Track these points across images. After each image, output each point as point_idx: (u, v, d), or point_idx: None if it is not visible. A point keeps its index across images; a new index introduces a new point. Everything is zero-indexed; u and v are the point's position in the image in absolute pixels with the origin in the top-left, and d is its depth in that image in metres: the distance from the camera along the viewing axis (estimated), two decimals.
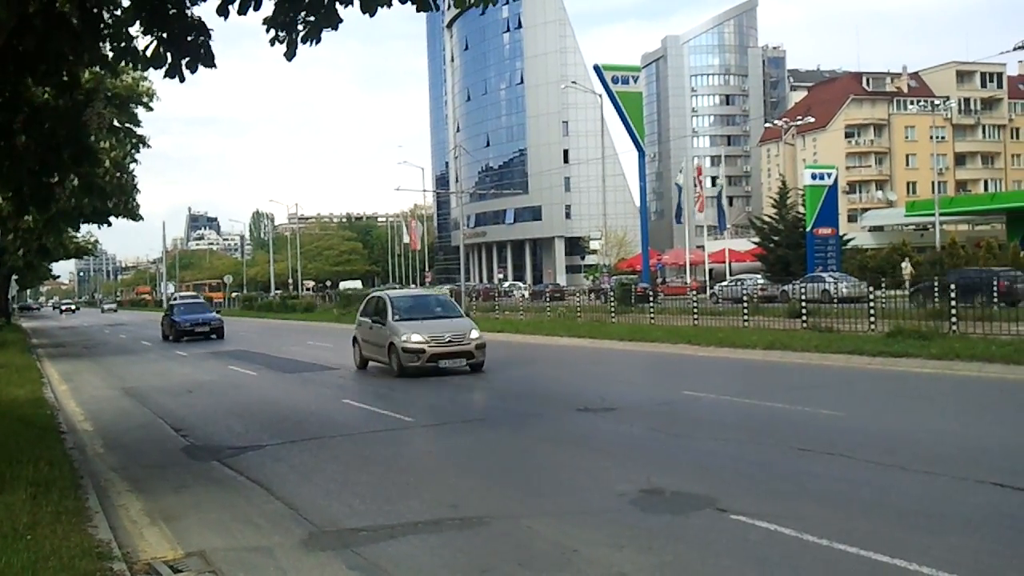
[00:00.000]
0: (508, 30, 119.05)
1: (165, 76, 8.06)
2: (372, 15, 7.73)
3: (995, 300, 23.27)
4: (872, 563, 6.09)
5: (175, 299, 48.96)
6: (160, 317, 45.16)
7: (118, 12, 8.09)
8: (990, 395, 14.22)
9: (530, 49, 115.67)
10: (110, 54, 8.64)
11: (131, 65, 8.74)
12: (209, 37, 7.96)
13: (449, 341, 18.89)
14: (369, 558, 6.81)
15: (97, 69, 10.65)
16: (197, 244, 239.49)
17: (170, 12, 7.77)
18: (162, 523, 8.16)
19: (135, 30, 8.06)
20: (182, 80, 8.08)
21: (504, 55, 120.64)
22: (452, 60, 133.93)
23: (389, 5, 7.77)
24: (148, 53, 8.03)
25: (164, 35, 7.79)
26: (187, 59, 7.91)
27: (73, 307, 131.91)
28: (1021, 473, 8.46)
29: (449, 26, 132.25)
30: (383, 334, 19.65)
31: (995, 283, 25.17)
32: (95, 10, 7.99)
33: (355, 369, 21.38)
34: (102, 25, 8.09)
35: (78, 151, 10.27)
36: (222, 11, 7.68)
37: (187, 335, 37.87)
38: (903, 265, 47.18)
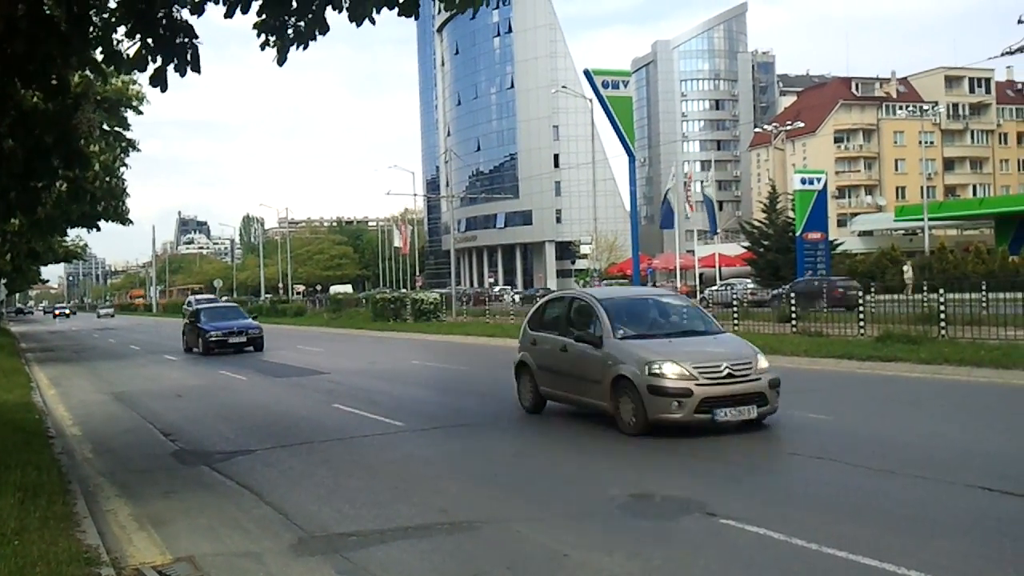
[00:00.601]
0: (499, 34, 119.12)
1: (150, 83, 8.04)
2: (359, 24, 7.73)
3: (827, 306, 26.73)
4: (861, 567, 6.11)
5: (191, 303, 43.33)
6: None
7: (106, 15, 8.05)
8: (979, 399, 14.26)
9: (520, 53, 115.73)
10: (100, 57, 8.61)
11: (115, 69, 8.69)
12: (196, 37, 7.93)
13: (729, 376, 11.35)
14: (358, 563, 6.80)
15: (86, 73, 10.58)
16: (187, 248, 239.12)
17: (159, 15, 7.74)
18: (151, 528, 8.14)
19: (120, 34, 8.03)
20: (163, 89, 8.04)
21: (495, 59, 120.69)
22: (443, 64, 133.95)
23: (373, 21, 7.75)
24: (131, 54, 7.99)
25: (151, 39, 7.75)
26: (175, 63, 7.88)
27: (68, 311, 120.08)
28: (1010, 477, 8.49)
29: (439, 30, 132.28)
30: (596, 361, 12.17)
31: (826, 290, 29.00)
32: (83, 13, 7.95)
33: (524, 412, 13.97)
34: (90, 28, 8.05)
35: (67, 155, 10.23)
36: (196, 10, 7.65)
37: (219, 347, 30.57)
38: (904, 268, 46.63)
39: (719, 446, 10.83)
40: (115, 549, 7.41)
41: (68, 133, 10.02)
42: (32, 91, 9.91)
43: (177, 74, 7.96)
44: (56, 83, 9.19)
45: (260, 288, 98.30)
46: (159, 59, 7.85)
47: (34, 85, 9.29)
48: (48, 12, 8.18)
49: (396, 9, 7.64)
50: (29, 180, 10.42)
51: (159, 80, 7.99)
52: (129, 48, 8.03)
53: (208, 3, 7.70)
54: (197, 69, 7.98)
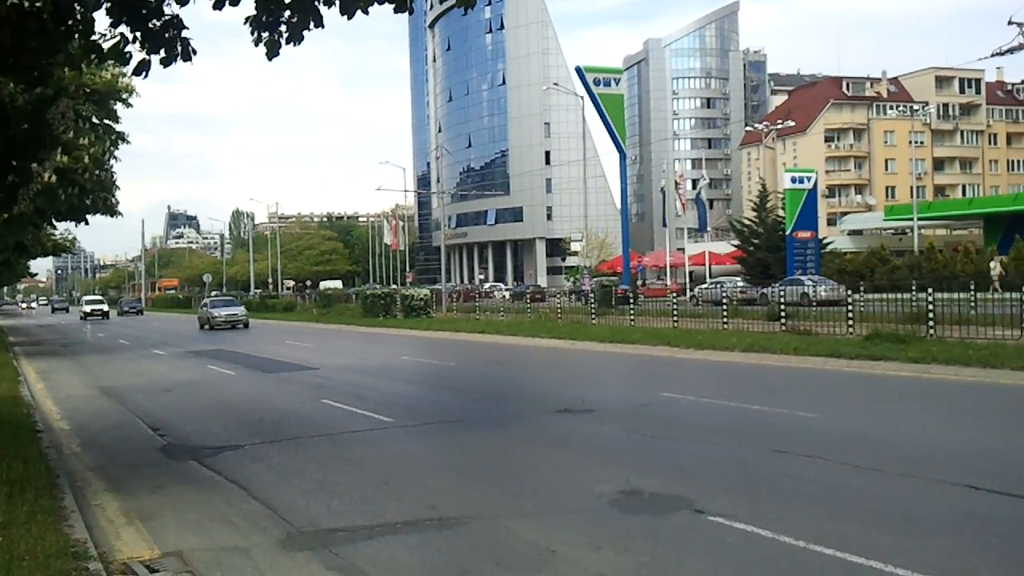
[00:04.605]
0: (490, 31, 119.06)
1: (133, 72, 8.01)
2: (350, 17, 7.69)
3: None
4: (848, 565, 6.13)
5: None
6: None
7: (86, 8, 7.97)
8: (966, 398, 14.33)
9: (512, 50, 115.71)
10: (79, 48, 8.53)
11: (96, 62, 8.59)
12: (184, 27, 7.86)
13: None
14: (347, 558, 6.80)
15: (69, 66, 10.47)
16: (176, 243, 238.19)
17: (148, 6, 7.68)
18: (139, 523, 8.12)
19: (105, 27, 7.97)
20: (145, 76, 8.00)
21: (486, 56, 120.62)
22: (434, 60, 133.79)
23: (366, 11, 7.72)
24: (112, 47, 7.94)
25: (138, 31, 7.70)
26: (162, 54, 7.83)
27: (104, 308, 76.28)
28: (996, 475, 8.53)
29: (431, 26, 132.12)
30: None
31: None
32: (66, 6, 7.89)
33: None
34: (72, 21, 7.99)
35: (43, 147, 10.13)
36: (182, 1, 7.61)
37: None
38: (992, 264, 44.70)
39: (707, 444, 10.88)
40: (103, 544, 7.40)
41: (42, 125, 9.93)
42: (11, 82, 9.83)
43: (161, 65, 7.91)
44: (37, 75, 9.12)
45: (250, 283, 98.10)
46: (144, 51, 7.80)
47: (17, 77, 9.22)
48: (35, 4, 8.12)
49: (392, 5, 7.62)
50: (6, 174, 10.33)
51: (141, 69, 7.94)
52: (108, 41, 7.96)
53: None
54: (188, 59, 7.93)
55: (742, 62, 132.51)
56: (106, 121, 24.57)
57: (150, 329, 50.92)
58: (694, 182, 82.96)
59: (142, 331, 48.32)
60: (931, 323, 20.77)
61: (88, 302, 78.03)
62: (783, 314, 25.41)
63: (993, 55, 33.33)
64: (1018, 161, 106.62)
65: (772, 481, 8.76)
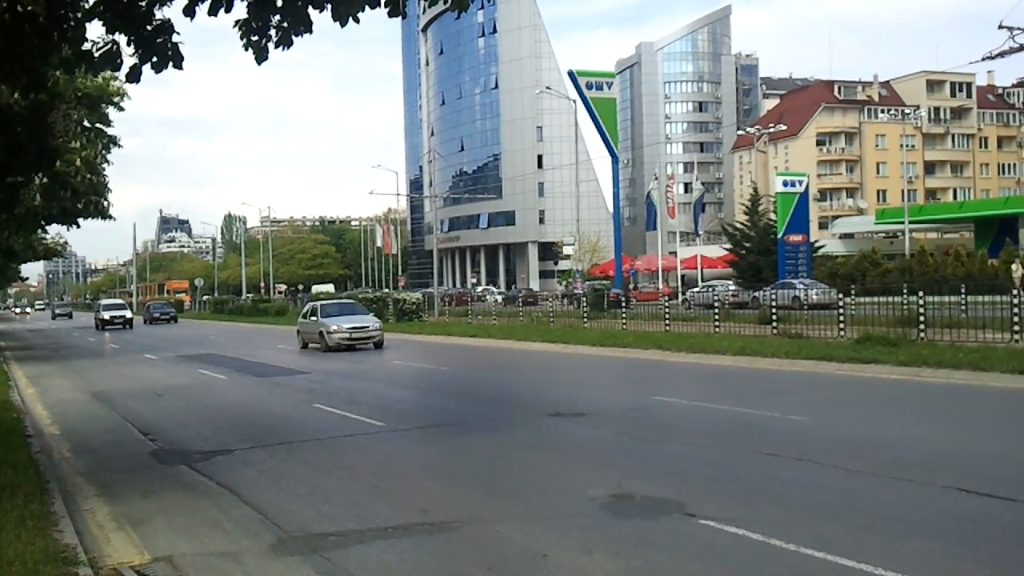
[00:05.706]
0: (483, 35, 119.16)
1: (126, 79, 8.00)
2: (343, 24, 7.69)
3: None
4: (838, 567, 6.14)
5: None
6: None
7: (80, 13, 7.95)
8: (957, 401, 14.37)
9: (505, 54, 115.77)
10: (71, 54, 8.52)
11: (86, 68, 8.56)
12: (175, 32, 7.85)
13: None
14: (338, 563, 6.79)
15: (64, 72, 10.46)
16: (168, 247, 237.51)
17: (140, 11, 7.67)
18: (129, 528, 8.10)
19: (99, 33, 7.96)
20: (137, 81, 7.99)
21: (479, 60, 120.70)
22: (427, 64, 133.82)
23: (357, 20, 7.72)
24: (103, 54, 7.92)
25: (132, 36, 7.69)
26: (154, 59, 7.82)
27: (127, 314, 59.72)
28: (986, 478, 8.56)
29: (424, 30, 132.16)
30: None
31: None
32: (62, 11, 7.88)
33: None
34: (66, 26, 7.98)
35: (41, 152, 10.12)
36: (188, 11, 7.61)
37: None
38: (1013, 267, 45.06)
39: (698, 448, 10.89)
40: (93, 549, 7.38)
41: (43, 130, 9.92)
42: (10, 88, 9.82)
43: (154, 71, 7.90)
44: (33, 80, 9.10)
45: (242, 287, 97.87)
46: (136, 57, 7.79)
47: (11, 81, 9.20)
48: (28, 8, 8.11)
49: (385, 9, 7.62)
50: (6, 176, 10.32)
51: (134, 76, 7.94)
52: (102, 48, 7.95)
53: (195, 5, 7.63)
54: (178, 65, 7.91)
55: (734, 66, 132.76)
56: (98, 125, 24.56)
57: (180, 339, 50.60)
58: (686, 186, 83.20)
59: (135, 336, 48.07)
60: (922, 326, 20.83)
61: (107, 307, 62.59)
62: (775, 317, 25.46)
63: (984, 59, 33.45)
64: (1009, 165, 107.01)
65: (763, 484, 8.78)
